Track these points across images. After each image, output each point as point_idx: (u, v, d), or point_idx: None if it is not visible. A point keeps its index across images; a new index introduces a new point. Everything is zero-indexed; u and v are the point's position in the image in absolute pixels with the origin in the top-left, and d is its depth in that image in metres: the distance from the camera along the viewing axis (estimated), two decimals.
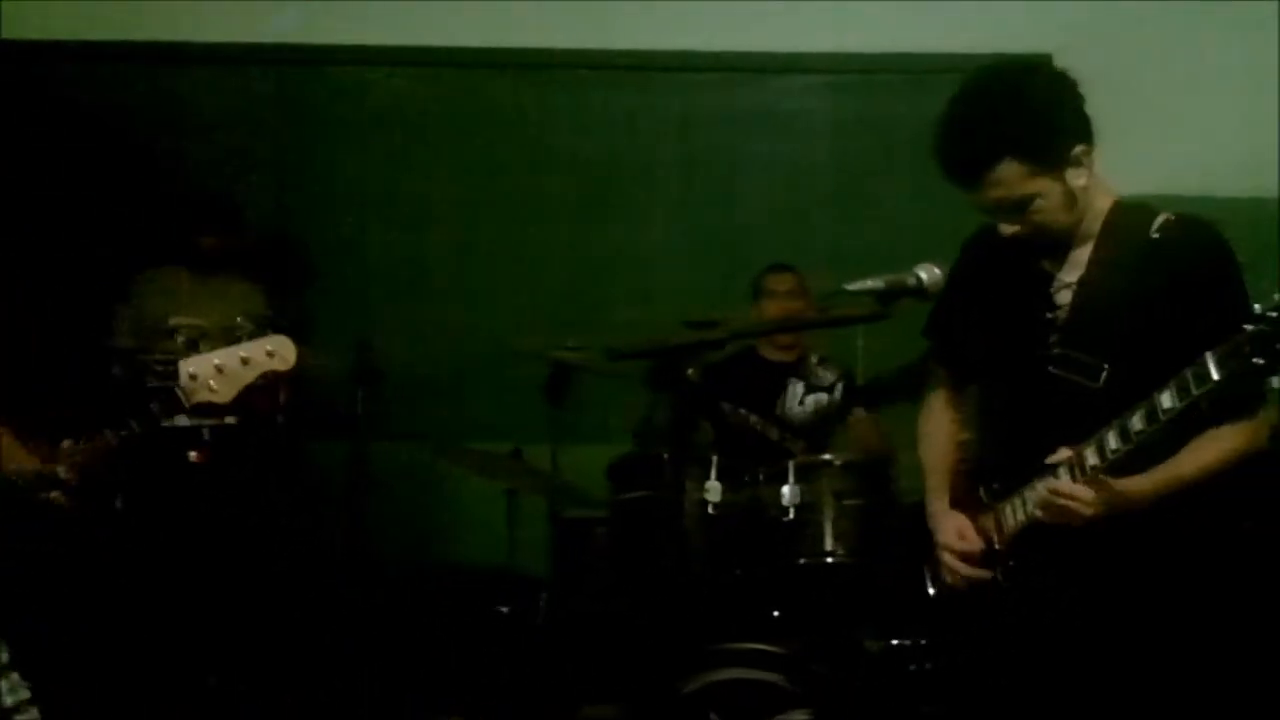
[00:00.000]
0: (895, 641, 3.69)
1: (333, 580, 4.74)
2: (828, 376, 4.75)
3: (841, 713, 3.69)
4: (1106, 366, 2.43)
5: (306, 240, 5.34)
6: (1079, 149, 2.43)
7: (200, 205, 4.81)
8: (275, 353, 2.70)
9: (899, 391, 4.07)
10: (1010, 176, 2.40)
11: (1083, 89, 2.47)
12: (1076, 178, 2.44)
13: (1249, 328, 2.06)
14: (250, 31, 5.26)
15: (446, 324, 5.35)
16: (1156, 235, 2.46)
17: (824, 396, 4.73)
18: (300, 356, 2.75)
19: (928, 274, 2.47)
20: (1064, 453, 2.41)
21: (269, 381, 2.72)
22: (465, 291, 5.38)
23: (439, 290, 5.39)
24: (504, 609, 4.37)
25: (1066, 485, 2.38)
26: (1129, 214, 2.52)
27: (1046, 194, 2.42)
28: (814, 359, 4.77)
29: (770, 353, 4.80)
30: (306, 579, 4.64)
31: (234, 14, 5.25)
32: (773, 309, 4.62)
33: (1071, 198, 2.45)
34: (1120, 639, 2.47)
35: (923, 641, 3.63)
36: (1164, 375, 2.25)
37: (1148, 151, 4.93)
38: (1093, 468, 2.35)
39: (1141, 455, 2.34)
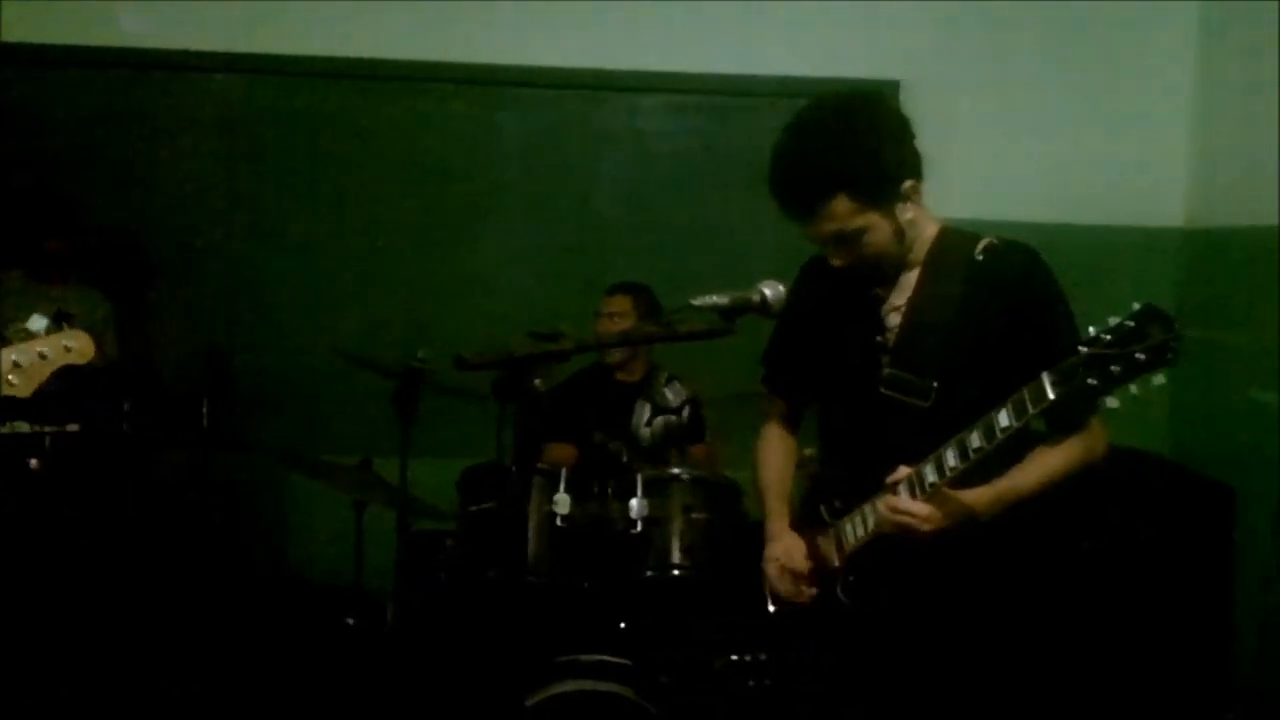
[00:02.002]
0: (735, 657, 3.75)
1: (178, 591, 4.65)
2: (675, 398, 4.75)
3: None
4: (935, 385, 2.50)
5: (157, 247, 5.22)
6: (908, 184, 2.51)
7: (41, 208, 4.70)
8: (72, 348, 2.76)
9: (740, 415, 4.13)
10: (842, 211, 2.46)
11: (913, 124, 2.55)
12: (905, 211, 2.52)
13: (1084, 350, 2.13)
14: (101, 34, 5.13)
15: (297, 333, 5.27)
16: (980, 258, 2.54)
17: (672, 418, 4.74)
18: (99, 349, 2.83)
19: (772, 291, 2.50)
20: (903, 471, 2.46)
21: (70, 374, 2.79)
22: (318, 301, 5.31)
23: (291, 299, 5.31)
24: (350, 620, 4.34)
25: (905, 502, 2.43)
26: (954, 239, 2.60)
27: (876, 228, 2.49)
28: (662, 378, 4.78)
29: (617, 372, 4.80)
30: (150, 589, 4.55)
31: (83, 15, 5.12)
32: (599, 329, 4.60)
33: (900, 231, 2.53)
34: (956, 655, 2.54)
35: (762, 657, 3.70)
36: (989, 391, 2.32)
37: (991, 177, 5.13)
38: (931, 484, 2.40)
39: (978, 471, 2.41)
